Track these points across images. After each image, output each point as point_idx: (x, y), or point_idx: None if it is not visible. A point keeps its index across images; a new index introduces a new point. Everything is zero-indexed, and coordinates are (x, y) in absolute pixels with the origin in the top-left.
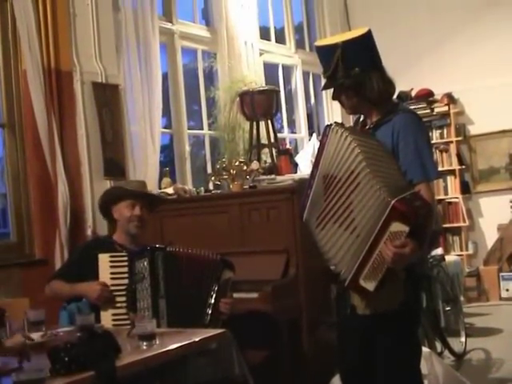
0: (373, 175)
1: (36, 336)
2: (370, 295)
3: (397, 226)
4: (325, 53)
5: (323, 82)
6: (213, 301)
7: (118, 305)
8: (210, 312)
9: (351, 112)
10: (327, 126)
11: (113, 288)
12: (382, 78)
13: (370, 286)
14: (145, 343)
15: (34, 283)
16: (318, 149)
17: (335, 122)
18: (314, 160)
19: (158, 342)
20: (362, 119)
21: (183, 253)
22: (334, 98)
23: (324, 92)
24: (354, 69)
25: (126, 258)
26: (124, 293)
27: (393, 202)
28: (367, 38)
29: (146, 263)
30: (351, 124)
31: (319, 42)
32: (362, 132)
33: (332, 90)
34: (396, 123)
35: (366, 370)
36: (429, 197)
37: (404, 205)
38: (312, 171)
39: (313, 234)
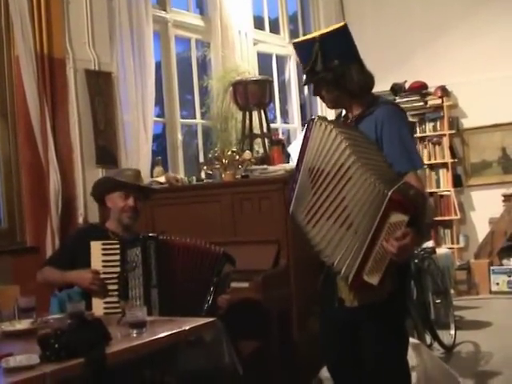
0: (365, 168)
1: (26, 323)
2: (372, 289)
3: (396, 217)
4: (303, 48)
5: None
6: (211, 294)
7: (110, 293)
8: (207, 305)
9: (332, 106)
10: (310, 119)
11: (105, 276)
12: (362, 70)
13: (374, 279)
14: (135, 331)
15: (24, 270)
16: (302, 142)
17: (318, 116)
18: (298, 153)
19: (147, 330)
20: (343, 114)
21: (180, 243)
22: (315, 93)
23: None
24: (333, 61)
25: (118, 246)
26: (116, 281)
27: (389, 193)
28: (344, 31)
29: (138, 252)
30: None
31: (297, 40)
32: (346, 125)
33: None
34: (379, 116)
35: (354, 363)
36: (420, 186)
37: (400, 195)
38: (297, 165)
39: (303, 230)
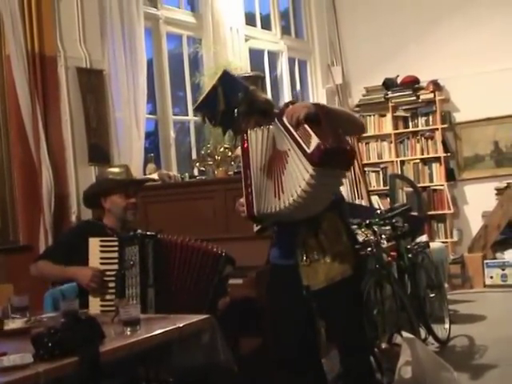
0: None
1: (20, 322)
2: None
3: None
4: (209, 102)
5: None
6: (211, 295)
7: (107, 291)
8: (207, 306)
9: None
10: (242, 135)
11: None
12: (260, 91)
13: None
14: (129, 329)
15: (18, 269)
16: (243, 155)
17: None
18: (242, 165)
19: (141, 328)
20: None
21: (179, 242)
22: (237, 132)
23: (309, 78)
24: (238, 95)
25: (116, 244)
26: (113, 279)
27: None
28: (227, 73)
29: (136, 250)
30: None
31: (198, 102)
32: None
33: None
34: None
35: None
36: None
37: None
38: (245, 173)
39: (281, 213)
